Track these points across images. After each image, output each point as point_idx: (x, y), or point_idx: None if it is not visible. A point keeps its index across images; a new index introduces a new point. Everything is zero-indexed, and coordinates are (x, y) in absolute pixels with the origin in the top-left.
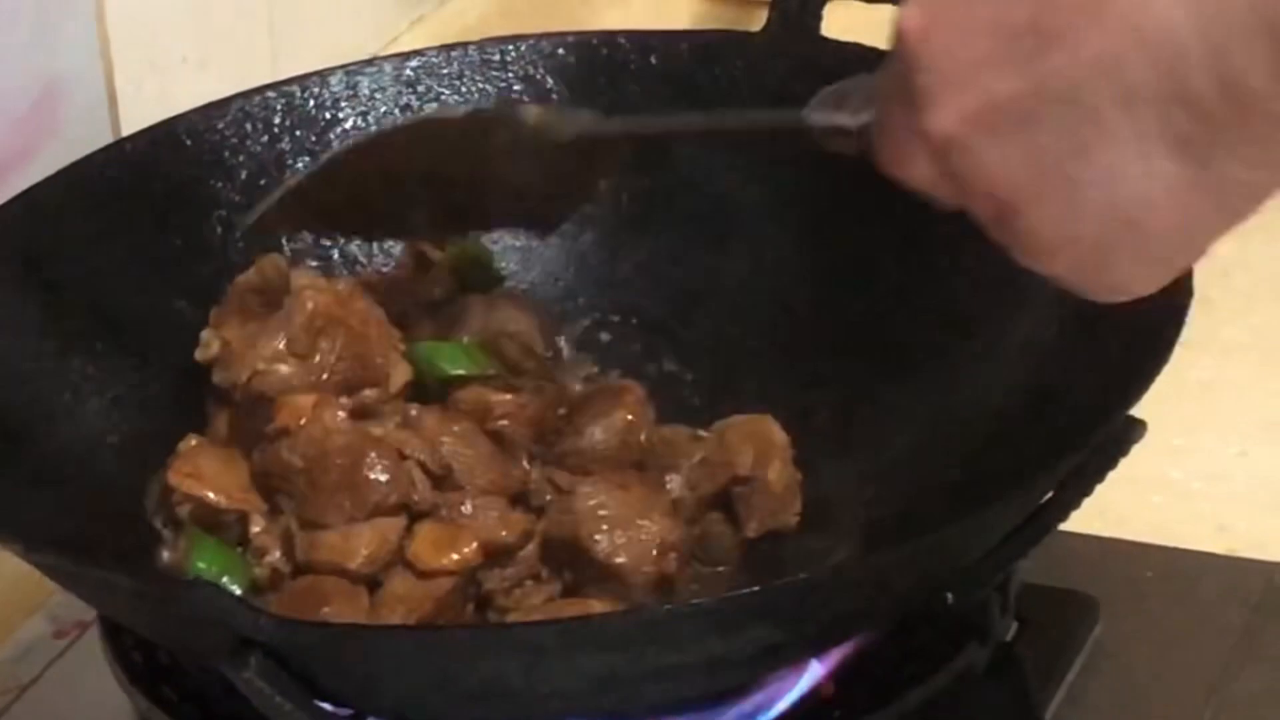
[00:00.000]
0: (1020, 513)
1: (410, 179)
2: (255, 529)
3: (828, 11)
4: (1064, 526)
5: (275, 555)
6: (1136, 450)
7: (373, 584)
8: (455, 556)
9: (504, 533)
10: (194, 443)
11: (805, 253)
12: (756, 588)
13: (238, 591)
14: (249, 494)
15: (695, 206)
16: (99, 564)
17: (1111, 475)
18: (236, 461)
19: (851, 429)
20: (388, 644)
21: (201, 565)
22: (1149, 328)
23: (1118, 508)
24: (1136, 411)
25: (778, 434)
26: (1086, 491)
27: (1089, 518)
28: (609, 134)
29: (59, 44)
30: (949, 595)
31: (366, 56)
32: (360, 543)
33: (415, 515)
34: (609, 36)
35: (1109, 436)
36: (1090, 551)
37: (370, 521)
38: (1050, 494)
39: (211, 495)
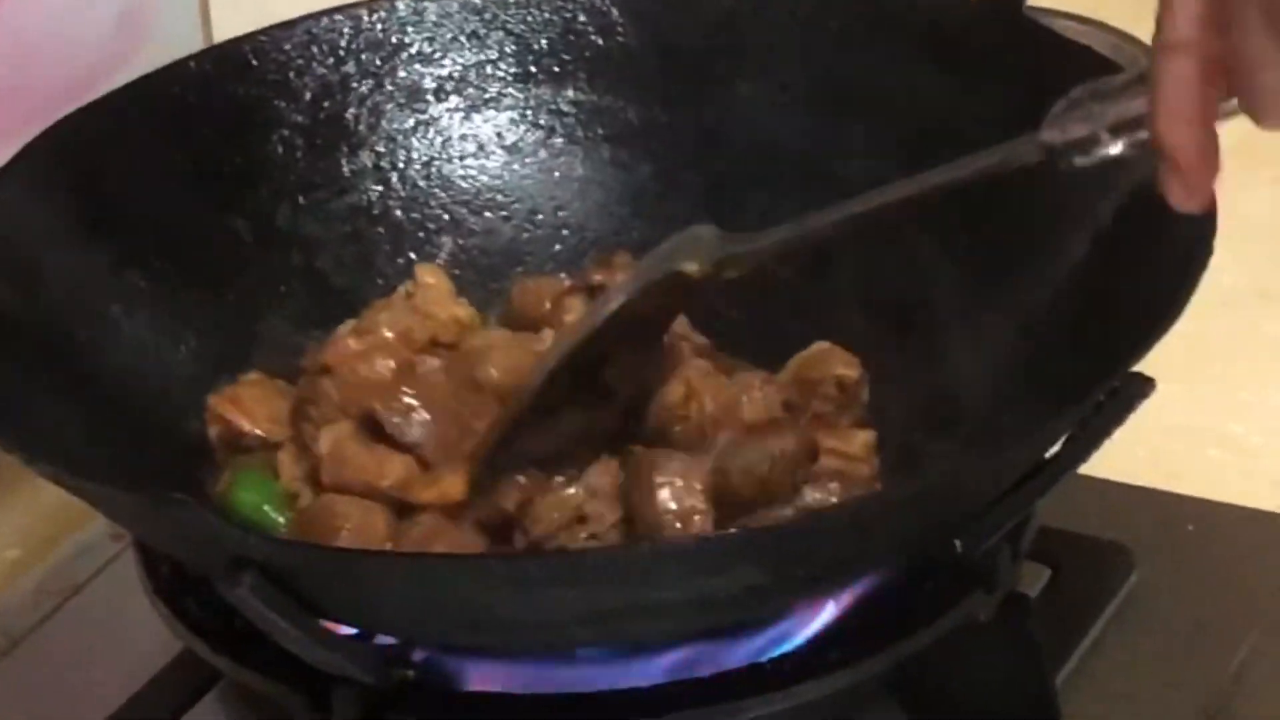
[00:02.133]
0: (1027, 463)
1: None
2: (285, 469)
3: None
4: (1107, 475)
5: (305, 497)
6: (1198, 403)
7: (396, 513)
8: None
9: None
10: (252, 376)
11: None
12: (736, 530)
13: (280, 520)
14: (281, 427)
15: (749, 144)
16: (96, 478)
17: (1169, 426)
18: (284, 399)
19: (875, 377)
20: (374, 569)
21: (243, 494)
22: (1163, 286)
23: (1172, 460)
24: (1201, 364)
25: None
26: (1094, 445)
27: (1138, 468)
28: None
29: None
30: (957, 542)
31: None
32: (393, 466)
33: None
34: None
35: (1114, 393)
36: (1131, 502)
37: (399, 453)
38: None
39: (242, 421)
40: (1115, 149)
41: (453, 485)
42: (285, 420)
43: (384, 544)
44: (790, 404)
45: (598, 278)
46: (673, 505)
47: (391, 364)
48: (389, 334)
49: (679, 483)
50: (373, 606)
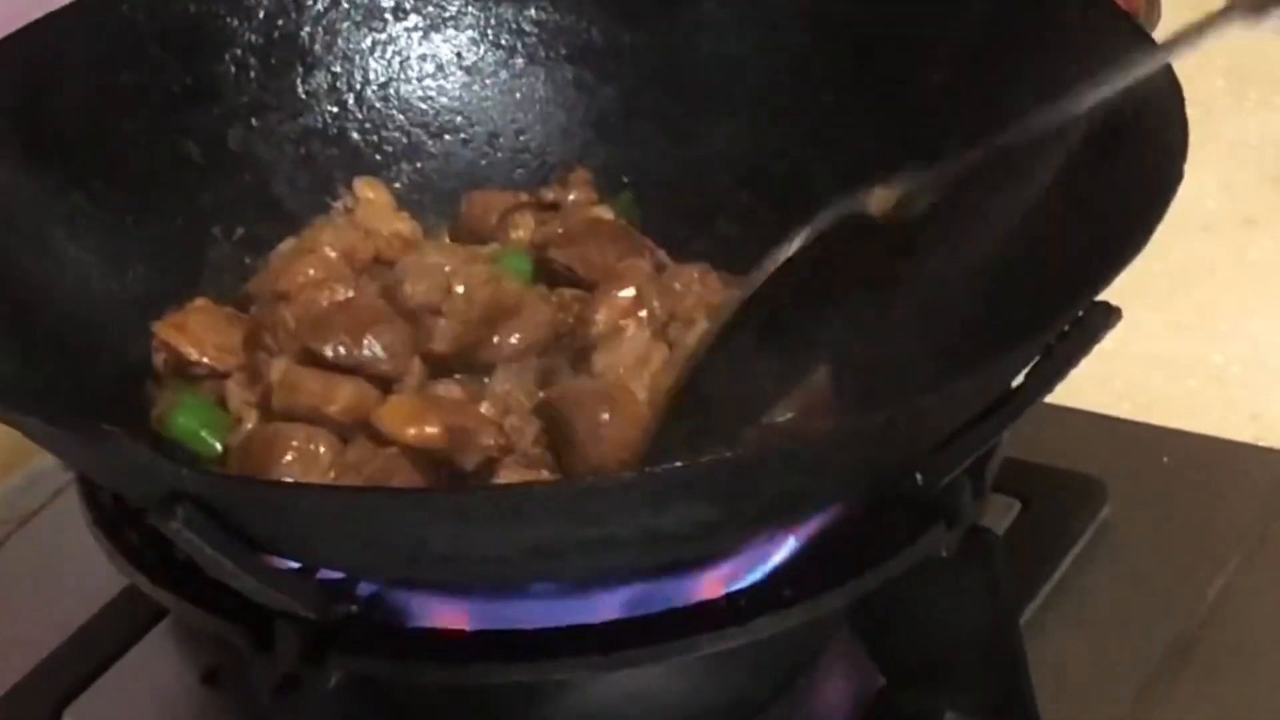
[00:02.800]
0: (988, 393)
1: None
2: (233, 396)
3: None
4: (1081, 405)
5: (249, 424)
6: (1177, 331)
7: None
8: (413, 431)
9: (472, 423)
10: (199, 303)
11: (810, 124)
12: (680, 463)
13: (217, 446)
14: (229, 355)
15: (715, 65)
16: (25, 407)
17: (1146, 355)
18: (232, 326)
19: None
20: (309, 504)
21: (181, 419)
22: (1132, 212)
23: (1148, 390)
24: (1181, 292)
25: None
26: (1058, 376)
27: (1112, 399)
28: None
29: None
30: (918, 476)
31: None
32: (342, 392)
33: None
34: None
35: (1078, 321)
36: (1104, 434)
37: (350, 377)
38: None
39: (189, 349)
40: None
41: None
42: (234, 348)
43: (327, 471)
44: None
45: (551, 195)
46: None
47: (345, 293)
48: (332, 254)
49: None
50: (311, 541)
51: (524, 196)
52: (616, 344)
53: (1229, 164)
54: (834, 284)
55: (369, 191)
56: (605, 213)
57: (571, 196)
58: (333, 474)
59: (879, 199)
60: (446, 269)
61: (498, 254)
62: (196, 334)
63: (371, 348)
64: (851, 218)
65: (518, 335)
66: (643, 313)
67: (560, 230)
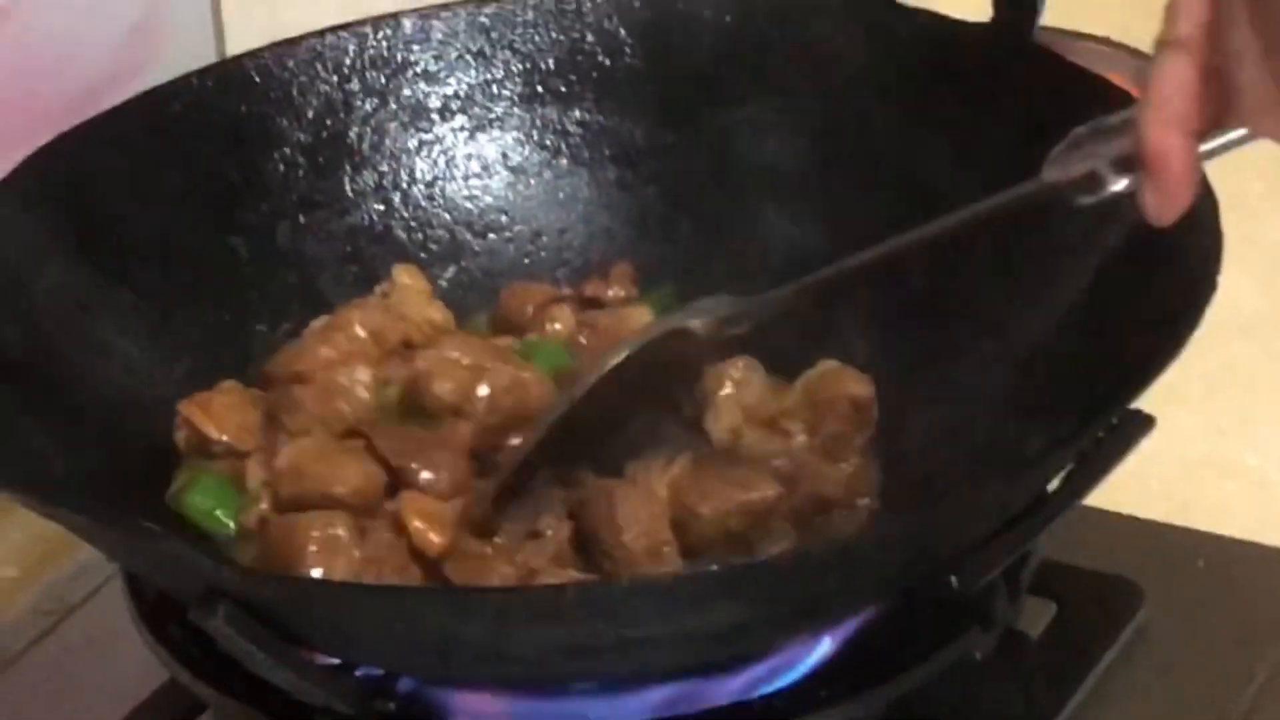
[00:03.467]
0: (1024, 497)
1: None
2: (252, 476)
3: None
4: (1116, 508)
5: (264, 505)
6: (1213, 433)
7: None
8: (435, 539)
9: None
10: (226, 384)
11: (847, 221)
12: (717, 567)
13: (230, 526)
14: (250, 436)
15: (755, 166)
16: (71, 503)
17: (1183, 457)
18: (255, 408)
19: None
20: (347, 602)
21: (197, 498)
22: (1165, 321)
23: (1184, 492)
24: (1218, 393)
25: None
26: (1093, 482)
27: (1149, 501)
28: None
29: None
30: (953, 578)
31: None
32: (348, 473)
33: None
34: None
35: (1111, 429)
36: (1140, 535)
37: (352, 454)
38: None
39: (210, 428)
40: (1119, 186)
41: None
42: (255, 429)
43: (353, 553)
44: (804, 426)
45: (589, 290)
46: (642, 541)
47: (367, 374)
48: (362, 333)
49: (643, 516)
50: (350, 639)
51: (564, 289)
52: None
53: (1267, 266)
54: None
55: (406, 278)
56: (644, 310)
57: (611, 291)
58: (357, 554)
59: (703, 322)
60: (467, 363)
61: (531, 346)
62: (219, 413)
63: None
64: (678, 332)
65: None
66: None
67: (598, 325)
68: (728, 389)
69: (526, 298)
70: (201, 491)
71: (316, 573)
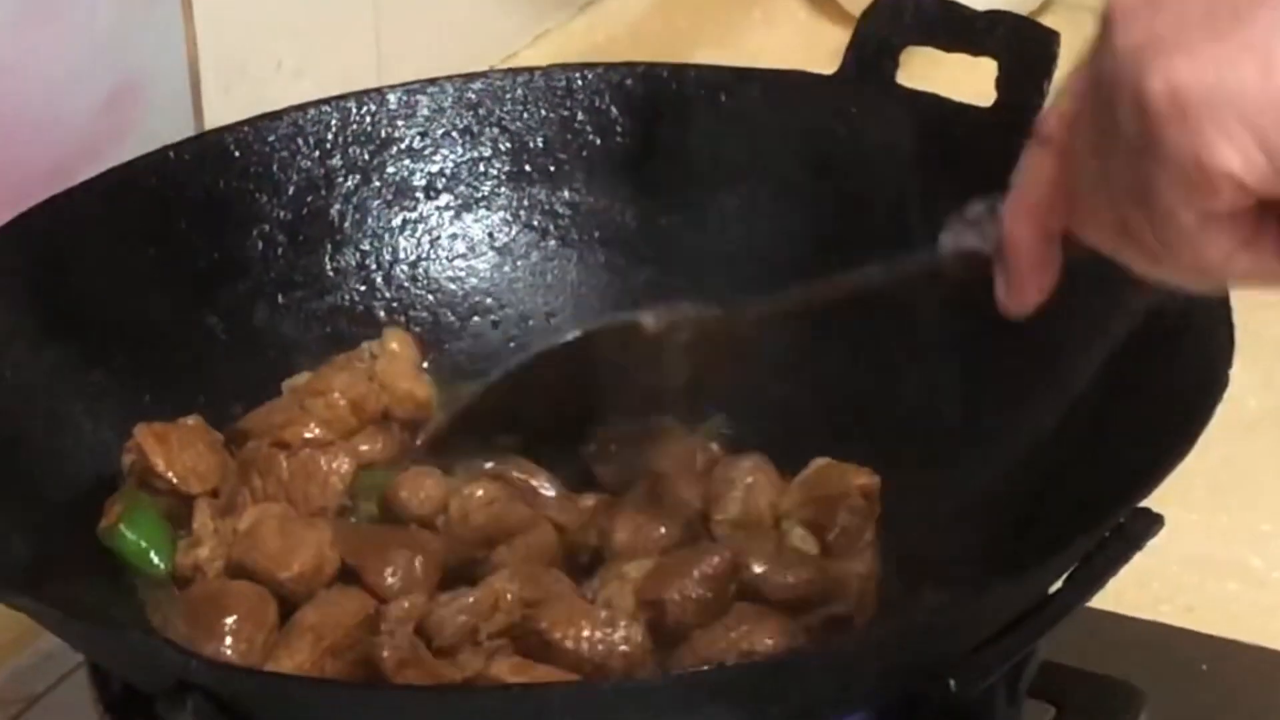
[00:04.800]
0: (1026, 599)
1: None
2: (199, 517)
3: (904, 58)
4: (1118, 609)
5: (204, 551)
6: (1217, 534)
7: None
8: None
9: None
10: (191, 420)
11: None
12: (706, 667)
13: (161, 566)
14: (196, 480)
15: (750, 250)
16: (35, 593)
17: (1186, 557)
18: (212, 453)
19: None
20: (317, 696)
21: (130, 532)
22: (1173, 420)
23: (1187, 593)
24: (1222, 492)
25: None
26: (1099, 583)
27: (1151, 602)
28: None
29: (139, 40)
30: (951, 682)
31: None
32: (296, 557)
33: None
34: (679, 70)
35: (1119, 528)
36: (1142, 637)
37: (313, 535)
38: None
39: (158, 461)
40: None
41: None
42: (207, 474)
43: (272, 633)
44: (814, 523)
45: None
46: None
47: (348, 466)
48: (342, 401)
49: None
50: None
51: None
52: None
53: (1271, 362)
54: None
55: (395, 344)
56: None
57: None
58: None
59: (655, 320)
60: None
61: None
62: (173, 449)
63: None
64: (627, 327)
65: (515, 557)
66: (660, 530)
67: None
68: (738, 491)
69: None
70: (135, 526)
71: (226, 643)
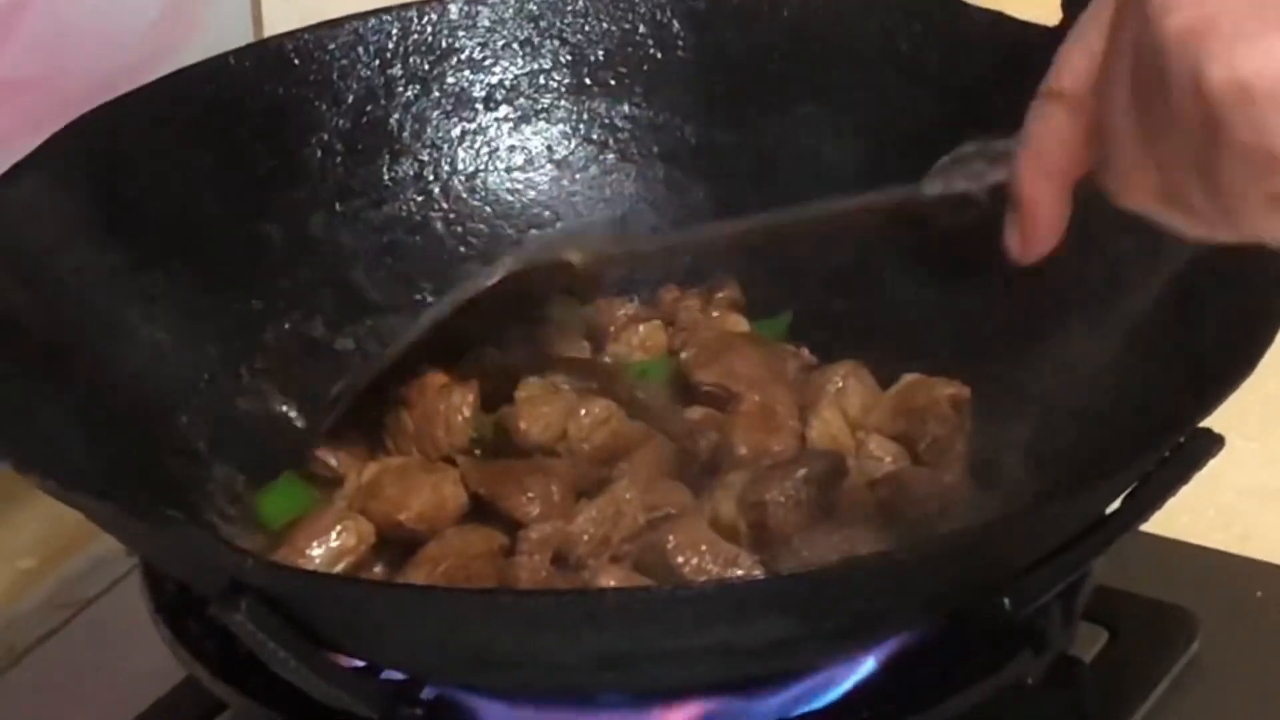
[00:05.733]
0: (1082, 518)
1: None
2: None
3: None
4: (1174, 535)
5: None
6: (1274, 463)
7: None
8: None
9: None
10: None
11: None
12: (763, 575)
13: None
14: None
15: (809, 169)
16: (90, 489)
17: (1243, 486)
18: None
19: None
20: (374, 599)
21: (272, 498)
22: (1236, 340)
23: (1243, 521)
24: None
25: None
26: (1156, 504)
27: (1207, 529)
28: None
29: None
30: (1005, 600)
31: None
32: (415, 498)
33: None
34: None
35: (1179, 448)
36: (1197, 564)
37: (431, 477)
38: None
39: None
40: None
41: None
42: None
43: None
44: (905, 435)
45: (677, 305)
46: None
47: (469, 403)
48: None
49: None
50: (377, 639)
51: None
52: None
53: None
54: None
55: None
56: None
57: (716, 314)
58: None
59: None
60: (557, 399)
61: (640, 367)
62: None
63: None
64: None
65: (636, 471)
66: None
67: (697, 349)
68: (830, 393)
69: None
70: (279, 493)
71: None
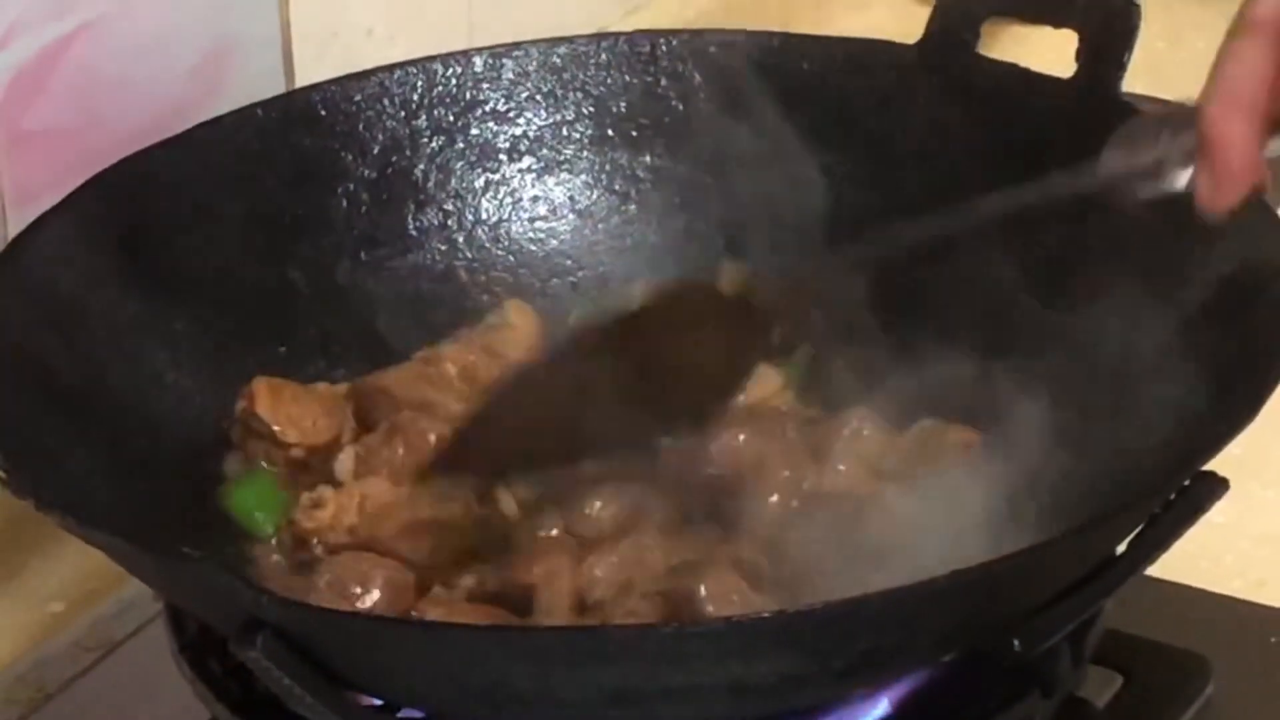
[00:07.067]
0: (1089, 559)
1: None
2: (343, 460)
3: (985, 30)
4: (1189, 580)
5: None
6: None
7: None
8: None
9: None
10: (321, 388)
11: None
12: (770, 611)
13: (269, 529)
14: (303, 435)
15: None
16: (110, 528)
17: (1258, 533)
18: (330, 418)
19: None
20: (390, 637)
21: (242, 493)
22: (1243, 382)
23: (1259, 568)
24: None
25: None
26: (1162, 546)
27: (1223, 576)
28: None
29: (234, 5)
30: (1015, 641)
31: None
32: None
33: None
34: (763, 38)
35: (1182, 491)
36: (1212, 611)
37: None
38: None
39: (264, 409)
40: (1182, 181)
41: None
42: (308, 430)
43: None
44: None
45: None
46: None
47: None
48: (451, 369)
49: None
50: (392, 677)
51: None
52: None
53: None
54: None
55: (518, 318)
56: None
57: None
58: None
59: (729, 274)
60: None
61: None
62: (282, 400)
63: None
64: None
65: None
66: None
67: None
68: (845, 436)
69: None
70: (248, 488)
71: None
